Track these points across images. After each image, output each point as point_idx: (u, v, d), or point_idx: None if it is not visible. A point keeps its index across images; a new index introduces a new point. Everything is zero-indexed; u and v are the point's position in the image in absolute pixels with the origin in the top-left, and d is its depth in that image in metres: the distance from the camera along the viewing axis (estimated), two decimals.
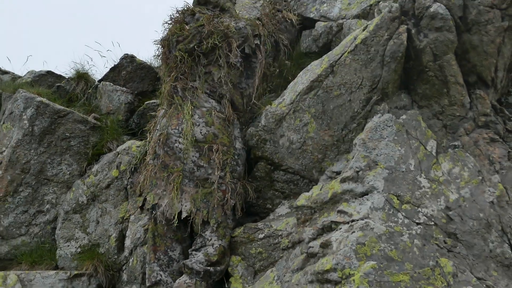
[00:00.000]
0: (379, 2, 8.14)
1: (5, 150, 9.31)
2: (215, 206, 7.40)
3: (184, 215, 7.37)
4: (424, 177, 6.41)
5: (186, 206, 7.41)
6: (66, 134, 9.34)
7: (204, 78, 8.08)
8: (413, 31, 6.77)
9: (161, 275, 7.50)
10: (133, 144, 8.76)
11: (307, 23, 9.15)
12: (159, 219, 7.54)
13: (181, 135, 7.68)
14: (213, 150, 7.55)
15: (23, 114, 9.26)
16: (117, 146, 9.15)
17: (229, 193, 7.48)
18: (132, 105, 10.06)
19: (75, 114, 9.47)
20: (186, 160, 7.56)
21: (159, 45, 8.61)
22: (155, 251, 7.61)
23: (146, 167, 7.99)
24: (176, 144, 7.66)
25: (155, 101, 9.71)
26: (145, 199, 7.86)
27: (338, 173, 6.94)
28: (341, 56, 7.06)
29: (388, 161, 6.42)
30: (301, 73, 7.73)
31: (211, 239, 7.35)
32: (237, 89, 8.13)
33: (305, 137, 7.29)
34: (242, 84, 8.20)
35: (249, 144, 7.71)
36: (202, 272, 7.18)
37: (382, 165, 6.39)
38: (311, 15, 9.12)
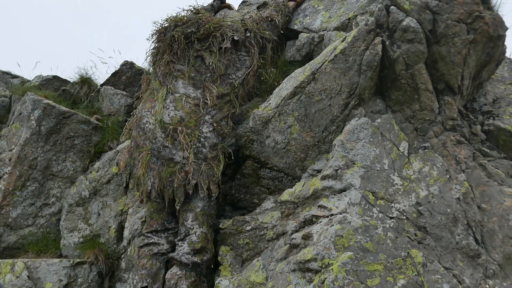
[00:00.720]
0: (356, 16, 8.15)
1: (14, 148, 9.27)
2: (178, 185, 7.32)
3: (153, 192, 7.32)
4: (397, 175, 6.41)
5: (154, 183, 7.36)
6: (71, 133, 9.31)
7: (192, 63, 8.04)
8: (387, 42, 6.77)
9: (153, 238, 7.50)
10: None
11: (291, 34, 9.14)
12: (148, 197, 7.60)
13: (152, 116, 7.65)
14: (178, 131, 7.49)
15: (31, 115, 9.23)
16: (117, 145, 9.13)
17: (191, 173, 7.35)
18: (131, 107, 10.02)
19: (79, 115, 9.45)
20: (155, 140, 7.49)
21: (156, 28, 8.55)
22: (152, 224, 7.61)
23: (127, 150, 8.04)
24: (147, 125, 7.62)
25: None
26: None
27: (319, 171, 6.93)
28: (322, 64, 7.05)
29: (364, 161, 6.41)
30: (285, 79, 7.71)
31: (193, 228, 7.30)
32: (224, 79, 8.07)
33: (289, 138, 7.27)
34: (231, 75, 8.15)
35: (238, 144, 7.69)
36: (190, 264, 7.15)
37: (359, 164, 6.38)
38: (295, 27, 9.11)
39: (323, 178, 6.46)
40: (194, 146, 7.46)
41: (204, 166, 7.44)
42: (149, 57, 8.68)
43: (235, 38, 8.26)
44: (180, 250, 7.25)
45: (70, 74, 12.10)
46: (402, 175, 6.43)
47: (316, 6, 9.14)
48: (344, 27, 8.37)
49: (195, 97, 7.76)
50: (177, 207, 7.37)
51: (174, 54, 8.13)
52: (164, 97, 7.75)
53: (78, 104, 10.52)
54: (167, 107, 7.65)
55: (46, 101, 9.36)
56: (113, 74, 10.87)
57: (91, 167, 9.13)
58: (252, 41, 8.45)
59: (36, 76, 11.51)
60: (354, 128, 6.67)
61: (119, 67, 10.92)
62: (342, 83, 6.88)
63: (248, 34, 8.45)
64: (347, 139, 6.60)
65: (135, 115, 8.07)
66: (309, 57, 8.51)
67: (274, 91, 7.82)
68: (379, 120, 6.75)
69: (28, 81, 11.59)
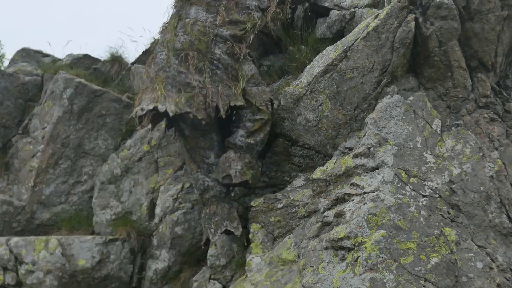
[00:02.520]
0: None
1: (46, 126, 9.35)
2: (197, 109, 7.29)
3: (170, 115, 7.20)
4: (430, 153, 6.36)
5: (170, 107, 7.24)
6: (102, 112, 9.38)
7: None
8: (420, 19, 6.70)
9: (207, 182, 7.55)
10: (163, 121, 8.74)
11: (322, 11, 9.08)
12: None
13: (164, 48, 7.65)
14: (189, 56, 7.49)
15: (63, 93, 9.30)
16: None
17: (210, 97, 7.35)
18: None
19: (110, 93, 9.51)
20: (169, 68, 7.48)
21: None
22: (195, 161, 7.65)
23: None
24: (160, 57, 7.61)
25: None
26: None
27: (351, 149, 6.90)
28: (354, 42, 7.00)
29: (397, 139, 6.37)
30: (316, 57, 7.67)
31: (247, 115, 7.47)
32: (241, 7, 8.03)
33: (321, 115, 7.25)
34: (250, 6, 8.07)
35: (272, 121, 7.67)
36: (244, 146, 7.35)
37: (391, 142, 6.35)
38: (326, 4, 9.04)
39: (355, 156, 6.43)
40: (208, 69, 7.47)
41: (222, 88, 7.46)
42: None
43: None
44: (235, 134, 7.44)
45: (100, 52, 12.15)
46: (435, 153, 6.38)
47: None
48: (375, 4, 8.31)
49: (205, 20, 7.74)
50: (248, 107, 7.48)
51: None
52: (175, 24, 7.77)
53: (109, 83, 10.58)
54: (177, 33, 7.66)
55: (78, 79, 9.43)
56: (144, 53, 10.90)
57: (122, 145, 9.19)
58: None
59: (67, 55, 11.59)
60: (387, 105, 6.62)
61: (149, 45, 10.93)
62: (374, 60, 6.83)
63: None
64: (380, 117, 6.55)
65: (151, 55, 8.03)
66: (340, 34, 8.47)
67: (305, 69, 7.79)
68: (411, 98, 6.70)
69: (59, 59, 11.68)
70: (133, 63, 10.84)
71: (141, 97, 7.56)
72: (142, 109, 7.26)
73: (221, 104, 7.34)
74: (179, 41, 7.56)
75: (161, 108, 7.18)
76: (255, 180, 7.39)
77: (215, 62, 7.50)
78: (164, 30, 8.01)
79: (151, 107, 7.22)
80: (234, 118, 7.59)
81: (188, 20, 7.73)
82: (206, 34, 7.61)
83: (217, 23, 7.72)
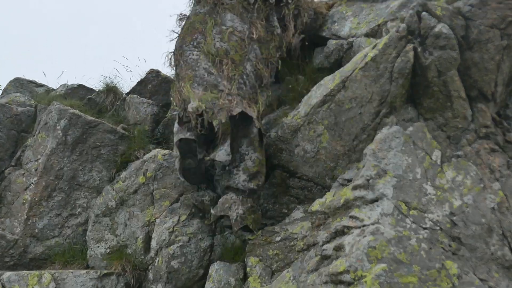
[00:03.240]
0: (386, 22, 8.15)
1: (40, 158, 9.34)
2: (221, 109, 7.42)
3: (189, 109, 7.36)
4: (430, 184, 6.38)
5: (193, 104, 7.41)
6: (97, 143, 9.37)
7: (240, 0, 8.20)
8: (419, 49, 6.76)
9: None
10: (158, 153, 8.78)
11: (319, 40, 9.14)
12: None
13: (195, 49, 7.75)
14: (223, 63, 7.63)
15: (57, 124, 9.30)
16: (144, 154, 9.16)
17: (235, 102, 7.49)
18: (158, 116, 10.10)
19: (105, 124, 9.51)
20: (198, 68, 7.58)
21: None
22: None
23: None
24: (190, 57, 7.72)
25: None
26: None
27: (350, 180, 6.92)
28: (353, 72, 7.05)
29: (396, 170, 6.39)
30: (314, 87, 7.72)
31: (248, 153, 7.53)
32: (267, 25, 8.23)
33: (319, 146, 7.28)
34: (273, 22, 8.28)
35: (266, 153, 7.70)
36: (247, 191, 7.39)
37: (391, 174, 6.37)
38: (323, 34, 9.12)
39: (354, 188, 6.45)
40: (238, 81, 7.58)
41: (246, 102, 7.61)
42: None
43: None
44: (236, 178, 7.46)
45: (95, 82, 12.21)
46: (435, 185, 6.40)
47: (344, 12, 9.15)
48: (373, 33, 8.37)
49: (242, 31, 7.89)
50: (252, 135, 7.56)
51: None
52: (211, 28, 7.87)
53: (104, 113, 10.59)
54: (213, 37, 7.75)
55: (72, 110, 9.43)
56: (139, 83, 10.94)
57: (117, 177, 9.18)
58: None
59: (61, 85, 11.60)
60: (386, 136, 6.65)
61: (144, 75, 10.98)
62: (373, 91, 6.88)
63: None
64: (379, 148, 6.58)
65: (176, 51, 8.18)
66: (338, 64, 8.51)
67: (303, 99, 7.83)
68: (411, 129, 6.73)
69: (53, 90, 11.68)
70: (128, 93, 10.85)
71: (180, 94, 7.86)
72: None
73: (247, 111, 7.53)
74: (214, 46, 7.70)
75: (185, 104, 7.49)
76: (256, 224, 7.44)
77: (244, 77, 7.69)
78: (189, 28, 8.15)
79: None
80: (233, 156, 7.66)
81: (225, 27, 7.92)
82: (242, 48, 7.73)
83: (253, 36, 7.86)
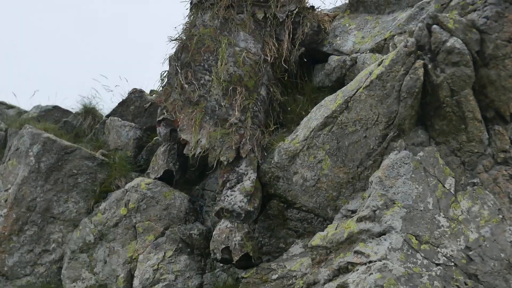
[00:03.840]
0: (393, 36, 8.16)
1: (10, 188, 9.32)
2: (229, 147, 7.63)
3: (198, 151, 7.64)
4: (443, 216, 6.37)
5: (201, 141, 7.70)
6: (73, 171, 9.35)
7: (250, 12, 8.39)
8: (429, 66, 6.76)
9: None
10: (142, 181, 8.74)
11: (320, 56, 9.16)
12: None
13: (207, 72, 7.93)
14: (237, 92, 7.79)
15: (29, 150, 9.28)
16: (126, 183, 9.14)
17: (247, 138, 7.67)
18: (141, 140, 10.09)
19: (83, 150, 9.49)
20: (210, 98, 7.77)
21: None
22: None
23: (172, 102, 8.32)
24: (201, 81, 7.99)
25: None
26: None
27: (354, 211, 6.90)
28: (356, 91, 7.06)
29: (405, 200, 6.38)
30: (314, 108, 7.73)
31: (247, 173, 7.61)
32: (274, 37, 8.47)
33: (320, 174, 7.28)
34: (281, 36, 8.43)
35: (262, 182, 7.69)
36: (244, 214, 7.38)
37: (399, 204, 6.35)
38: (324, 49, 9.13)
39: (359, 219, 6.42)
40: (252, 110, 7.72)
41: (259, 133, 7.78)
42: (191, 3, 9.06)
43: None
44: (232, 199, 7.44)
45: (71, 103, 12.21)
46: (449, 216, 6.38)
47: (347, 25, 9.18)
48: (379, 48, 8.39)
49: (256, 53, 8.04)
50: (248, 161, 7.68)
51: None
52: (225, 50, 7.97)
53: (82, 138, 10.59)
54: (226, 61, 7.85)
55: (46, 134, 9.42)
56: (120, 104, 10.94)
57: (96, 209, 9.15)
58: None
59: (34, 107, 11.60)
60: (394, 162, 6.65)
61: (126, 95, 10.99)
62: (379, 112, 6.88)
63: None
64: (386, 175, 6.57)
65: (183, 67, 8.33)
66: (340, 82, 8.53)
67: (301, 122, 7.83)
68: (421, 154, 6.73)
69: (26, 111, 11.69)
70: (108, 116, 10.86)
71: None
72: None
73: (256, 150, 7.71)
74: (227, 71, 7.89)
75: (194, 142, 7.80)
76: (255, 253, 7.42)
77: (258, 103, 7.85)
78: (198, 44, 8.39)
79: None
80: (228, 177, 7.70)
81: (239, 49, 8.10)
82: (256, 73, 7.85)
83: (268, 59, 7.98)
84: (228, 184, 7.58)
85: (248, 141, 7.65)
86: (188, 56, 8.30)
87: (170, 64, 8.73)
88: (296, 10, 8.84)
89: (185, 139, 8.04)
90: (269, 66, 8.25)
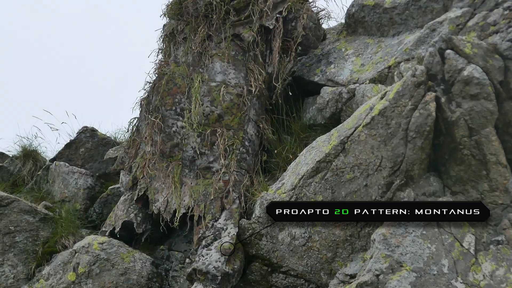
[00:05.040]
0: (399, 63, 8.20)
1: None
2: (213, 198, 7.73)
3: (182, 211, 7.74)
4: (461, 281, 6.39)
5: (184, 201, 7.80)
6: (10, 227, 9.31)
7: (230, 38, 8.62)
8: (442, 99, 6.81)
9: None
10: (94, 240, 8.69)
11: (311, 87, 9.22)
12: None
13: (179, 117, 8.03)
14: (217, 134, 7.94)
15: None
16: (74, 242, 9.09)
17: (232, 184, 7.78)
18: (93, 190, 10.08)
19: (21, 202, 9.46)
20: (186, 147, 7.90)
21: None
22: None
23: (143, 155, 8.45)
24: (173, 128, 8.11)
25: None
26: (143, 194, 8.33)
27: (353, 276, 6.92)
28: (355, 130, 7.10)
29: (415, 262, 6.40)
30: (304, 151, 7.76)
31: (226, 228, 7.66)
32: (260, 61, 8.59)
33: (311, 231, 7.29)
34: (266, 58, 8.53)
35: (241, 240, 7.69)
36: (220, 276, 7.33)
37: (408, 267, 6.37)
38: (315, 79, 9.19)
39: (360, 286, 6.44)
40: (238, 152, 7.94)
41: (248, 179, 7.95)
42: (162, 36, 9.34)
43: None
44: (207, 259, 7.44)
45: (7, 145, 12.15)
46: (468, 281, 6.40)
47: (343, 49, 9.26)
48: (382, 78, 8.44)
49: (237, 85, 8.13)
50: (208, 225, 7.72)
51: (209, 27, 8.53)
52: (198, 90, 8.06)
53: (20, 187, 10.56)
54: (201, 102, 7.93)
55: None
56: (68, 145, 10.94)
57: (38, 274, 9.10)
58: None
59: None
60: None
61: (75, 135, 10.98)
62: (382, 155, 6.92)
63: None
64: (391, 233, 6.60)
65: (153, 112, 8.47)
66: (335, 119, 8.58)
67: (289, 167, 7.86)
68: None
69: None
70: (53, 160, 10.85)
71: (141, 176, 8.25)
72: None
73: (241, 200, 7.86)
74: (203, 113, 8.02)
75: (176, 202, 7.91)
76: None
77: (246, 143, 8.05)
78: (169, 84, 8.51)
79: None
80: (202, 233, 7.75)
81: (215, 84, 8.10)
82: (240, 108, 7.96)
83: (252, 89, 8.09)
84: (203, 242, 7.61)
85: (233, 188, 7.72)
86: (158, 99, 8.39)
87: (141, 109, 8.83)
88: (287, 5, 9.09)
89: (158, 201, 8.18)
90: (255, 98, 8.34)
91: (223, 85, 8.20)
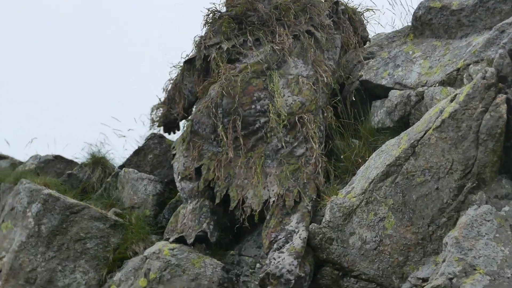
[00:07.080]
0: (469, 65, 8.15)
1: (5, 256, 9.37)
2: (306, 181, 7.88)
3: (272, 200, 7.83)
4: None
5: (273, 190, 7.89)
6: (81, 234, 9.39)
7: (299, 37, 8.88)
8: None
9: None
10: (165, 246, 8.74)
11: (378, 91, 9.20)
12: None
13: (260, 113, 8.25)
14: (304, 120, 8.14)
15: (27, 210, 9.34)
16: (145, 248, 9.12)
17: (320, 165, 8.00)
18: (162, 196, 10.10)
19: (92, 209, 9.53)
20: (271, 139, 7.98)
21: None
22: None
23: (210, 157, 8.64)
24: (257, 125, 8.06)
25: None
26: (226, 196, 8.43)
27: (425, 280, 6.90)
28: (425, 133, 7.09)
29: (489, 265, 6.38)
30: (373, 154, 7.77)
31: (298, 230, 7.68)
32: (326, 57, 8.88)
33: (382, 234, 7.29)
34: (330, 55, 8.99)
35: (311, 245, 7.71)
36: (293, 280, 7.35)
37: (481, 270, 6.35)
38: (383, 82, 9.16)
39: None
40: (317, 136, 8.21)
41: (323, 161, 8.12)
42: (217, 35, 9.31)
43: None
44: (280, 262, 7.47)
45: (75, 152, 12.29)
46: None
47: (410, 52, 9.22)
48: (451, 81, 8.39)
49: (308, 76, 8.32)
50: (300, 216, 7.84)
51: (278, 26, 8.90)
52: (279, 83, 8.29)
53: (90, 194, 10.62)
54: (282, 93, 8.06)
55: (47, 191, 9.48)
56: (136, 152, 10.98)
57: (109, 280, 9.17)
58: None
59: (31, 157, 11.65)
60: (473, 220, 6.65)
61: (143, 142, 11.03)
62: (453, 158, 6.90)
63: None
64: (464, 236, 6.58)
65: (230, 115, 8.55)
66: (404, 122, 8.55)
67: (358, 171, 7.88)
68: (506, 208, 6.72)
69: (21, 163, 11.75)
70: (121, 167, 10.88)
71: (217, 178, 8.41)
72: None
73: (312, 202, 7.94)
74: (286, 103, 8.18)
75: (264, 193, 8.04)
76: None
77: (321, 128, 8.07)
78: (242, 86, 8.57)
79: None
80: (274, 236, 7.82)
81: (291, 77, 8.31)
82: (315, 95, 8.13)
83: (324, 79, 8.29)
84: (275, 245, 7.62)
85: (321, 169, 7.96)
86: (231, 101, 8.44)
87: (198, 112, 8.90)
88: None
89: (245, 196, 8.27)
90: (324, 85, 8.49)
91: (299, 77, 8.35)
